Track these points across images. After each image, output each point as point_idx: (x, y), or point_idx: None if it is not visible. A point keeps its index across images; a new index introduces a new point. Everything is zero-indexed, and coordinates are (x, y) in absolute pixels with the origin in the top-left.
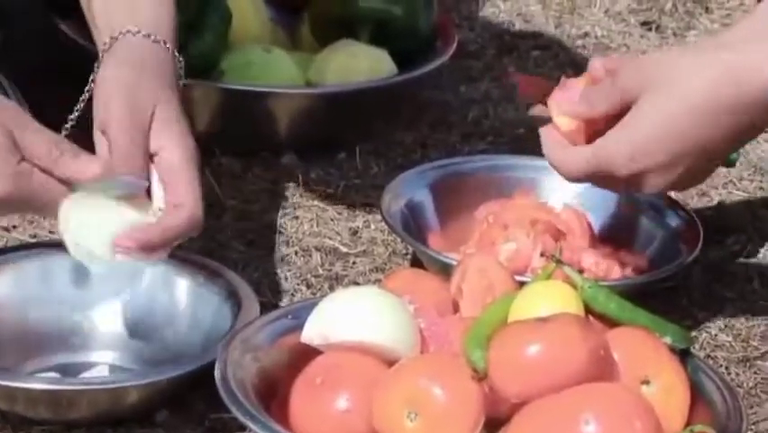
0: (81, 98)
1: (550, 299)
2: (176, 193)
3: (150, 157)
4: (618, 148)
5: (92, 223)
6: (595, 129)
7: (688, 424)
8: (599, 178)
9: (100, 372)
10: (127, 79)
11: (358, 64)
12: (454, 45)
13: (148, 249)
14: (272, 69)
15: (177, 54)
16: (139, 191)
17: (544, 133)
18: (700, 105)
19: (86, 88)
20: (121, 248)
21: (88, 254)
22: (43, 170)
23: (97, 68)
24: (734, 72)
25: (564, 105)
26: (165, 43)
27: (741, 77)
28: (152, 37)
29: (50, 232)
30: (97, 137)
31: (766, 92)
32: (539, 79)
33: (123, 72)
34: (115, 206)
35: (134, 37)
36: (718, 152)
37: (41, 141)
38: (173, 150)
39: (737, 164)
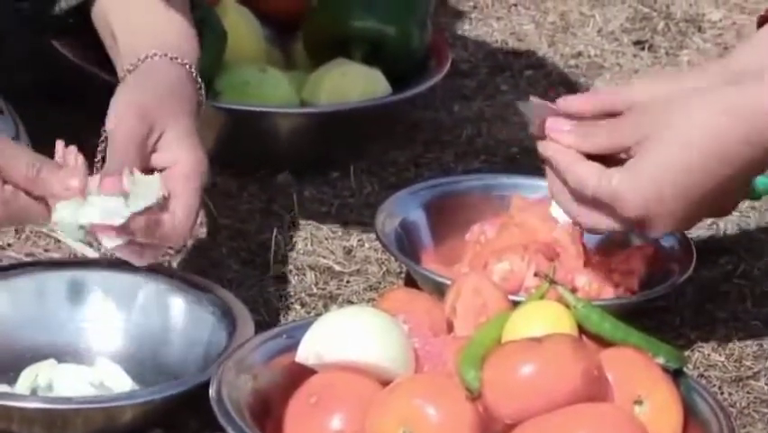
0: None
1: (543, 319)
2: (174, 201)
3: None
4: (632, 195)
5: (81, 205)
6: None
7: None
8: (604, 208)
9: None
10: (143, 96)
11: (352, 83)
12: (448, 65)
13: (128, 235)
14: (267, 89)
15: (199, 80)
16: (119, 217)
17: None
18: (714, 153)
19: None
20: (102, 231)
21: (76, 232)
22: (26, 192)
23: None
24: (742, 113)
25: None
26: (189, 67)
27: (750, 116)
28: (178, 60)
29: (45, 250)
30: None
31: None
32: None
33: (141, 90)
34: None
35: (159, 59)
36: (730, 193)
37: (17, 162)
38: (185, 162)
39: None
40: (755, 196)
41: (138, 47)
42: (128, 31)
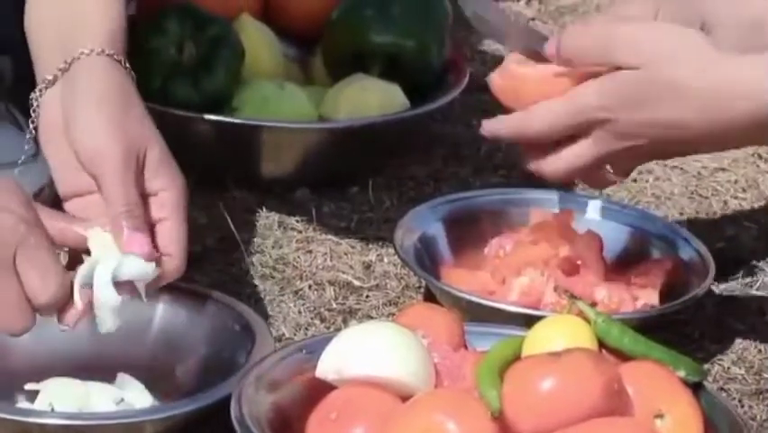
0: (29, 131)
1: (563, 333)
2: (164, 238)
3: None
4: (604, 95)
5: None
6: None
7: None
8: (569, 130)
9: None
10: (115, 114)
11: (370, 99)
12: (466, 79)
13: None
14: (285, 105)
15: (133, 75)
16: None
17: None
18: (718, 86)
19: (33, 117)
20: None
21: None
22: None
23: (44, 89)
24: (731, 81)
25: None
26: (123, 62)
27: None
28: (114, 56)
29: None
30: (72, 177)
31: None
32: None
33: (107, 104)
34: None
35: (96, 57)
36: (693, 139)
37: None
38: (171, 192)
39: (749, 195)
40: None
41: (68, 40)
42: (51, 20)
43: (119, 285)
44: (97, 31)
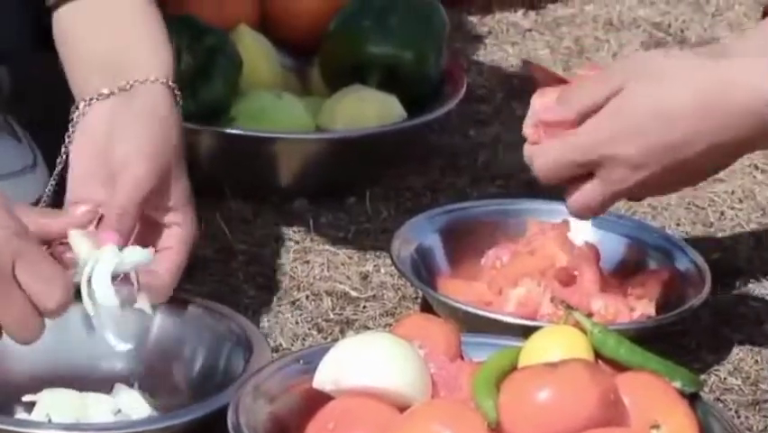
0: (63, 151)
1: (559, 344)
2: (163, 262)
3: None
4: (598, 129)
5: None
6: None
7: None
8: (570, 167)
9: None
10: (158, 140)
11: (367, 109)
12: (463, 90)
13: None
14: (283, 115)
15: (177, 94)
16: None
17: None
18: (686, 105)
19: (71, 126)
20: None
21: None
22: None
23: (94, 100)
24: (722, 83)
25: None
26: (175, 90)
27: (728, 88)
28: (170, 84)
29: None
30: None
31: (752, 108)
32: (553, 73)
33: (154, 131)
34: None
35: (159, 85)
36: (697, 162)
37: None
38: (185, 229)
39: (745, 206)
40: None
41: (122, 62)
42: (95, 39)
43: (119, 283)
44: (155, 60)
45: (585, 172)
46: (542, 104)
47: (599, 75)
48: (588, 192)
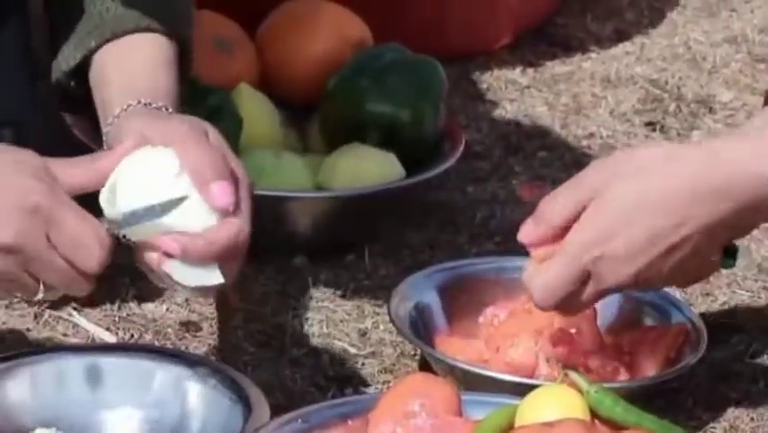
0: None
1: (556, 403)
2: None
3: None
4: (583, 234)
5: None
6: None
7: None
8: (568, 286)
9: None
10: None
11: (366, 167)
12: (461, 148)
13: (190, 255)
14: (283, 174)
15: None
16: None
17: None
18: (669, 193)
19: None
20: (165, 245)
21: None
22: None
23: (125, 111)
24: (705, 166)
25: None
26: (167, 108)
27: (712, 167)
28: (153, 104)
29: (63, 335)
30: None
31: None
32: (541, 185)
33: (177, 122)
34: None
35: (136, 107)
36: (692, 247)
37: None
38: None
39: (741, 264)
40: (726, 265)
41: (112, 100)
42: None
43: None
44: (142, 90)
45: (580, 286)
46: (525, 231)
47: (571, 183)
48: (583, 296)
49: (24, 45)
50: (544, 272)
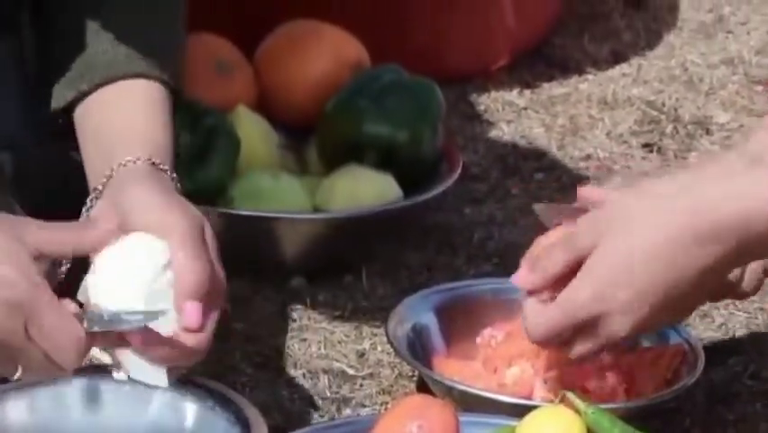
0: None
1: (554, 424)
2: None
3: None
4: (580, 292)
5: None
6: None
7: None
8: (564, 331)
9: None
10: (166, 198)
11: (364, 189)
12: (459, 169)
13: (149, 353)
14: (281, 195)
15: (174, 177)
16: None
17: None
18: (658, 245)
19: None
20: (134, 339)
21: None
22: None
23: (94, 199)
24: (690, 214)
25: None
26: (169, 172)
27: (712, 206)
28: (159, 165)
29: None
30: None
31: (744, 223)
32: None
33: (159, 192)
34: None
35: (140, 164)
36: (689, 290)
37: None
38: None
39: None
40: None
41: (111, 151)
42: (95, 133)
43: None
44: (141, 140)
45: (574, 335)
46: (519, 276)
47: (568, 237)
48: (587, 344)
49: (19, 68)
50: (538, 316)
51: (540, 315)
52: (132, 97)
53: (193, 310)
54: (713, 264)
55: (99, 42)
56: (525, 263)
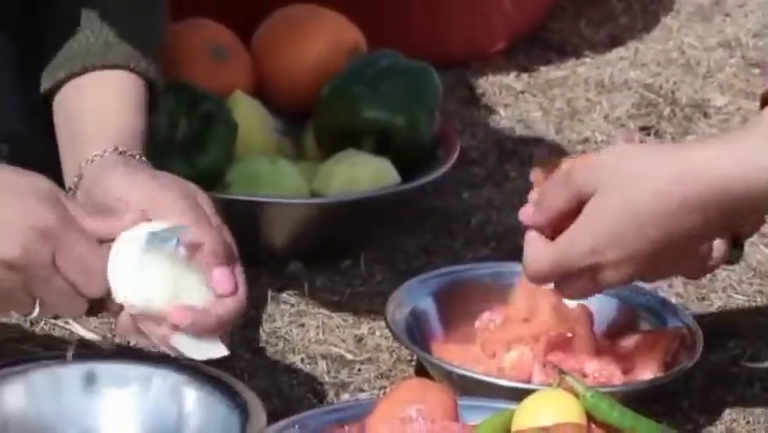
0: None
1: (552, 408)
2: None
3: None
4: (579, 243)
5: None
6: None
7: None
8: (560, 275)
9: None
10: (149, 175)
11: (361, 174)
12: (456, 154)
13: (198, 329)
14: (278, 180)
15: (144, 160)
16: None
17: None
18: (659, 201)
19: None
20: (177, 317)
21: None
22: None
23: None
24: (691, 170)
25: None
26: (139, 158)
27: (698, 174)
28: (127, 152)
29: (62, 342)
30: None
31: (725, 190)
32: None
33: (140, 170)
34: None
35: (104, 157)
36: (682, 245)
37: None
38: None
39: (737, 267)
40: (734, 256)
41: (79, 150)
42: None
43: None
44: (109, 132)
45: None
46: (524, 212)
47: (568, 175)
48: (580, 287)
49: (17, 59)
50: (537, 254)
51: (538, 255)
52: (106, 88)
53: (223, 277)
54: (700, 229)
55: (82, 32)
56: (530, 201)
